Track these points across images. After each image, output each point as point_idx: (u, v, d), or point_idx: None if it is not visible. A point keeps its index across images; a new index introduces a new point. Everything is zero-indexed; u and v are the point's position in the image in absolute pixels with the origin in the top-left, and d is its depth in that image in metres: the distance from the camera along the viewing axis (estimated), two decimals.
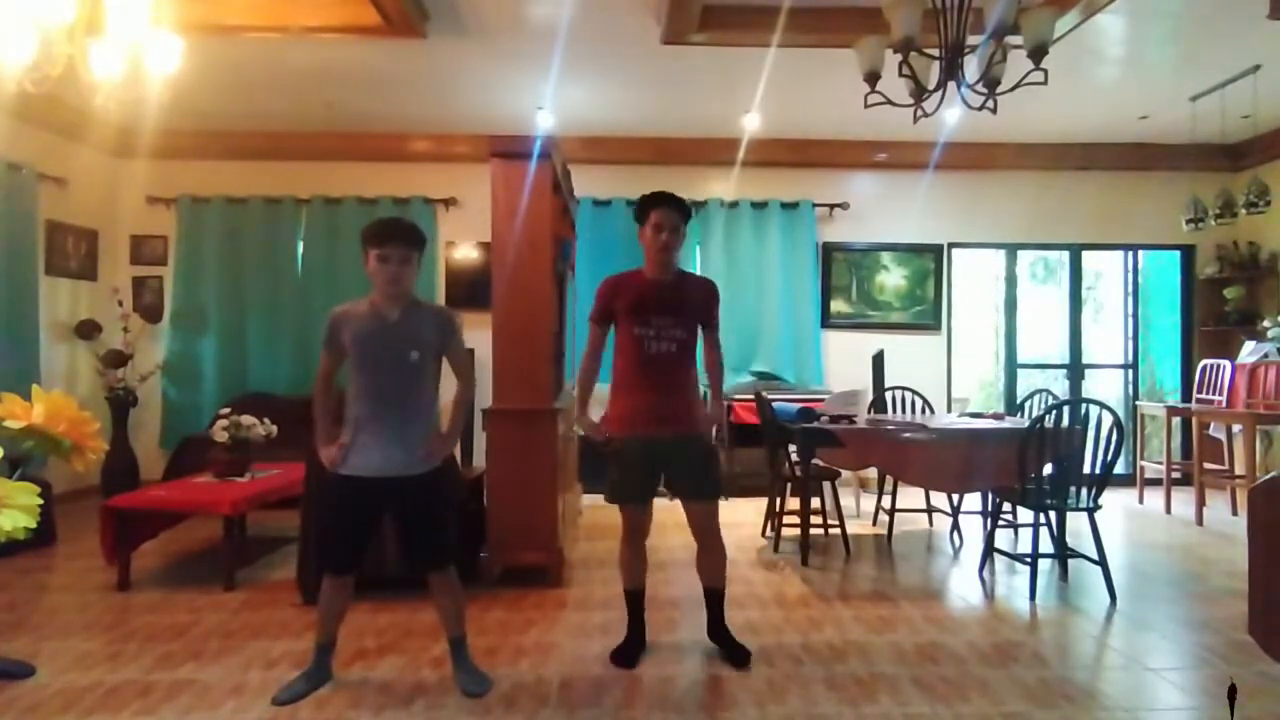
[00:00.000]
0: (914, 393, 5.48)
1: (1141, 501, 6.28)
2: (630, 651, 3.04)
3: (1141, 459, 6.53)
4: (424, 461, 2.73)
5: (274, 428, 4.45)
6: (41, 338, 5.72)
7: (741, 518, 5.36)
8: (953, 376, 7.10)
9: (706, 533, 3.08)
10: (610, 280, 3.11)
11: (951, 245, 7.11)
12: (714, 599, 3.16)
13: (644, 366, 2.98)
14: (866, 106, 3.44)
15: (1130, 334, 7.28)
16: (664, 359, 2.97)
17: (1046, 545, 4.06)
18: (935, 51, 3.35)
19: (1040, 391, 5.00)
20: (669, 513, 3.10)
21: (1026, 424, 4.01)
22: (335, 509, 2.74)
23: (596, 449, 3.12)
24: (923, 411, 5.45)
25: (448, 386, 2.82)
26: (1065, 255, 7.25)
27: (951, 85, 3.36)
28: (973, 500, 5.14)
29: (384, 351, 2.68)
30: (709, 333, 3.14)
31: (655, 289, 3.01)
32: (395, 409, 2.69)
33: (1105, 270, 7.68)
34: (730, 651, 3.07)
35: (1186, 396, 6.78)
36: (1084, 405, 3.97)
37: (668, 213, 2.96)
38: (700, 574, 3.16)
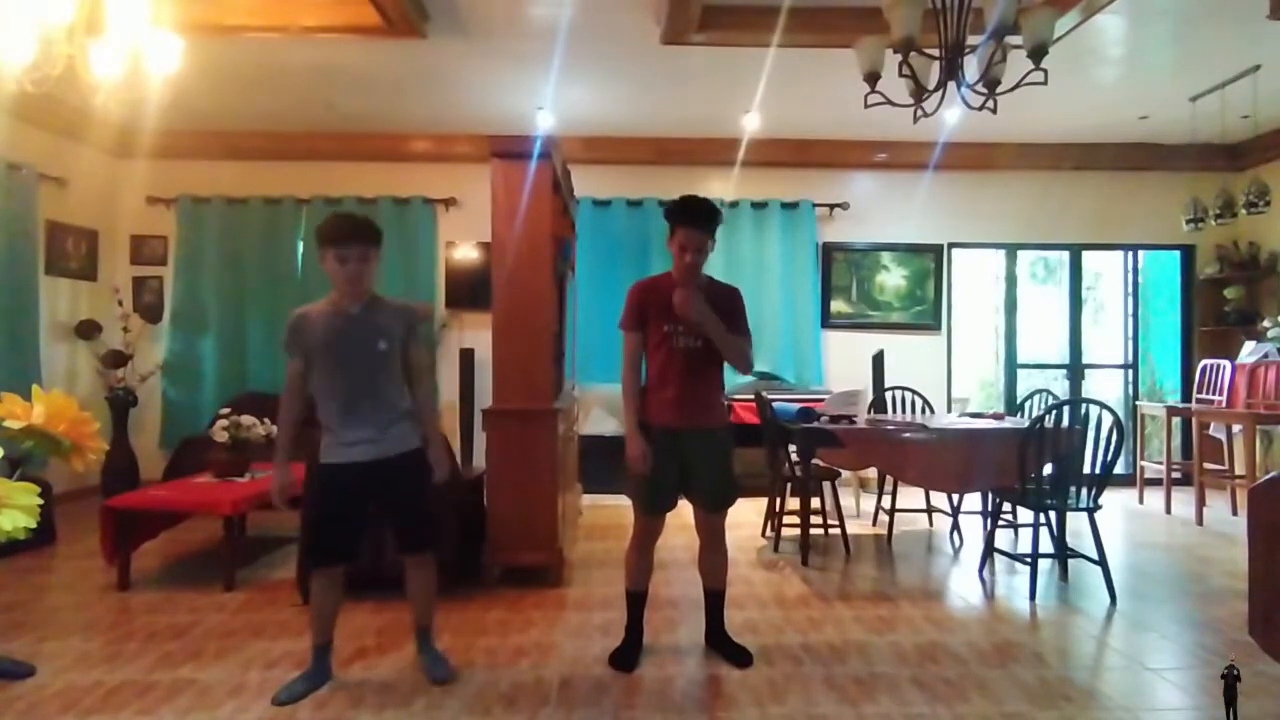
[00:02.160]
0: (914, 393, 5.48)
1: (1141, 501, 6.28)
2: (628, 654, 3.03)
3: (1141, 459, 6.53)
4: (437, 480, 2.85)
5: (274, 428, 4.42)
6: (41, 338, 5.71)
7: (741, 518, 5.36)
8: (953, 376, 7.10)
9: (713, 535, 3.12)
10: (640, 285, 3.06)
11: (951, 245, 7.11)
12: (714, 601, 3.17)
13: (671, 361, 2.97)
14: (866, 106, 3.44)
15: (1130, 334, 7.27)
16: (691, 354, 2.96)
17: (1046, 545, 4.06)
18: (935, 51, 3.35)
19: (1040, 391, 5.00)
20: (671, 514, 3.09)
21: (1026, 424, 4.01)
22: (321, 497, 2.75)
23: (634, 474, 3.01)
24: (923, 411, 5.45)
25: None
26: (1065, 255, 7.25)
27: (951, 85, 3.35)
28: (973, 500, 5.14)
29: (352, 346, 2.68)
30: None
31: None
32: (368, 401, 2.69)
33: (1105, 270, 7.68)
34: (731, 654, 3.07)
35: (1186, 396, 6.77)
36: (1084, 405, 3.97)
37: (694, 234, 2.90)
38: (702, 574, 3.17)
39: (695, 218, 2.93)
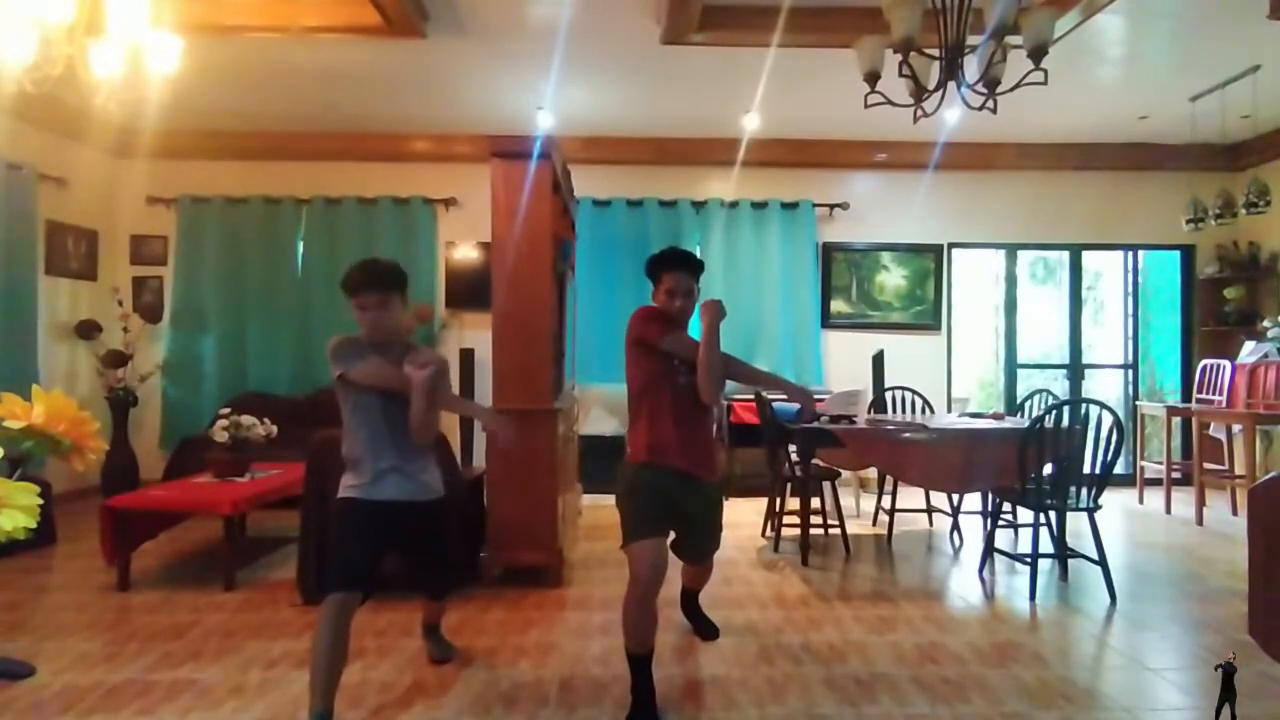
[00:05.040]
0: (914, 393, 5.48)
1: (1141, 501, 6.28)
2: None
3: (1141, 459, 6.52)
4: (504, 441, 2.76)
5: (274, 428, 4.44)
6: (41, 338, 5.71)
7: (742, 518, 5.36)
8: (953, 376, 7.10)
9: (702, 570, 3.25)
10: (659, 308, 2.89)
11: (951, 245, 7.10)
12: (690, 593, 3.38)
13: (677, 399, 2.83)
14: (866, 106, 3.44)
15: (1130, 334, 7.27)
16: (692, 392, 2.82)
17: (1046, 545, 4.06)
18: (935, 51, 3.35)
19: (1040, 391, 5.01)
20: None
21: (1026, 424, 4.01)
22: (353, 523, 2.62)
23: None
24: (923, 411, 5.45)
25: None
26: (1065, 255, 7.24)
27: (951, 85, 3.35)
28: (973, 500, 5.14)
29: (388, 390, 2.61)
30: None
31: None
32: (402, 444, 2.63)
33: (1105, 270, 7.68)
34: (701, 627, 3.28)
35: (1186, 396, 6.78)
36: (1084, 405, 3.97)
37: (680, 277, 2.83)
38: (684, 578, 3.29)
39: (679, 262, 2.86)
